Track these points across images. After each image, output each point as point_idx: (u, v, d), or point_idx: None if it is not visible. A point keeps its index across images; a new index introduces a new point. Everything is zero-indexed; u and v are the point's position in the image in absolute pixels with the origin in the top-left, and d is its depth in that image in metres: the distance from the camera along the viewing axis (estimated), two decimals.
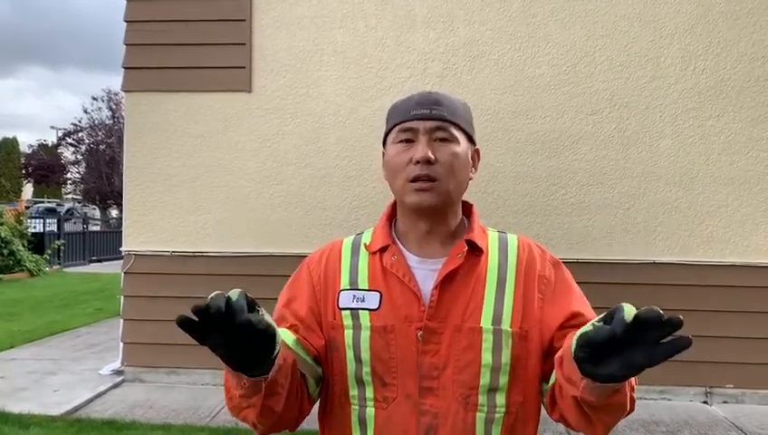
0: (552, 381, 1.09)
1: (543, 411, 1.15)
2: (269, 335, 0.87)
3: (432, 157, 1.10)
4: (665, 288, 4.81)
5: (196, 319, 0.81)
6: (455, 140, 1.14)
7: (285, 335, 1.10)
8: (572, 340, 0.90)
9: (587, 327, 0.87)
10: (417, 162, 1.11)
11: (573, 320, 1.10)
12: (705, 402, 4.83)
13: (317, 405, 1.20)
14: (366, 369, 1.11)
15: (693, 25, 4.93)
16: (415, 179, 1.11)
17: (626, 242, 4.92)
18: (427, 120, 1.13)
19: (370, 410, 1.10)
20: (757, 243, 4.87)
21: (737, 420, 4.45)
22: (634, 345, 0.81)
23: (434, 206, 1.13)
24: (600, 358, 0.85)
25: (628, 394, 0.96)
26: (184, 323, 0.80)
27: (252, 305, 0.86)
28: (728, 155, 4.90)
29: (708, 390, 4.86)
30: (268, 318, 0.88)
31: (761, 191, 4.88)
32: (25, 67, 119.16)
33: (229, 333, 0.84)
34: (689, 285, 4.82)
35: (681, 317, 0.78)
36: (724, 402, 4.82)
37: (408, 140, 1.14)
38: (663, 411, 4.59)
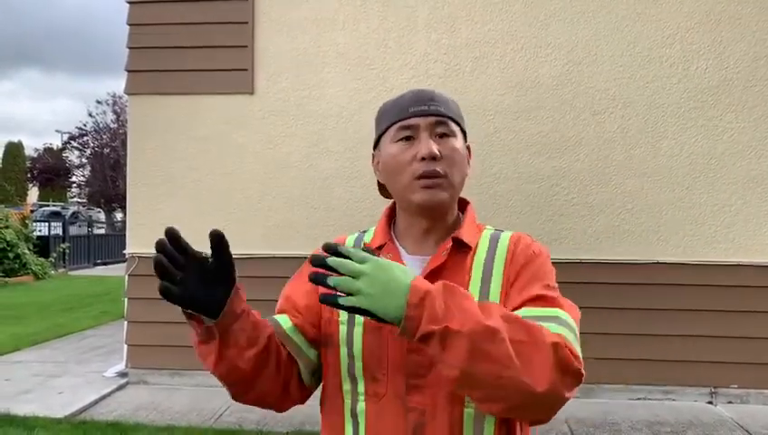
0: None
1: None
2: (220, 268, 0.96)
3: (438, 153, 1.10)
4: (668, 288, 4.80)
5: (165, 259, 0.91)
6: (453, 134, 1.15)
7: (283, 320, 1.14)
8: None
9: None
10: (423, 159, 1.10)
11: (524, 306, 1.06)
12: (710, 403, 4.81)
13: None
14: (358, 365, 1.12)
15: (695, 24, 4.92)
16: (421, 177, 1.11)
17: (629, 242, 4.91)
18: (426, 115, 1.13)
19: (362, 405, 1.12)
20: (761, 242, 4.85)
21: (742, 421, 4.43)
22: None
23: (443, 201, 1.13)
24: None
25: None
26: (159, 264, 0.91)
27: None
28: (731, 154, 4.89)
29: (713, 390, 4.84)
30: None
31: (764, 190, 4.86)
32: (22, 71, 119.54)
33: (187, 264, 0.93)
34: (692, 285, 4.81)
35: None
36: (729, 403, 4.80)
37: (407, 138, 1.14)
38: (667, 412, 4.58)
